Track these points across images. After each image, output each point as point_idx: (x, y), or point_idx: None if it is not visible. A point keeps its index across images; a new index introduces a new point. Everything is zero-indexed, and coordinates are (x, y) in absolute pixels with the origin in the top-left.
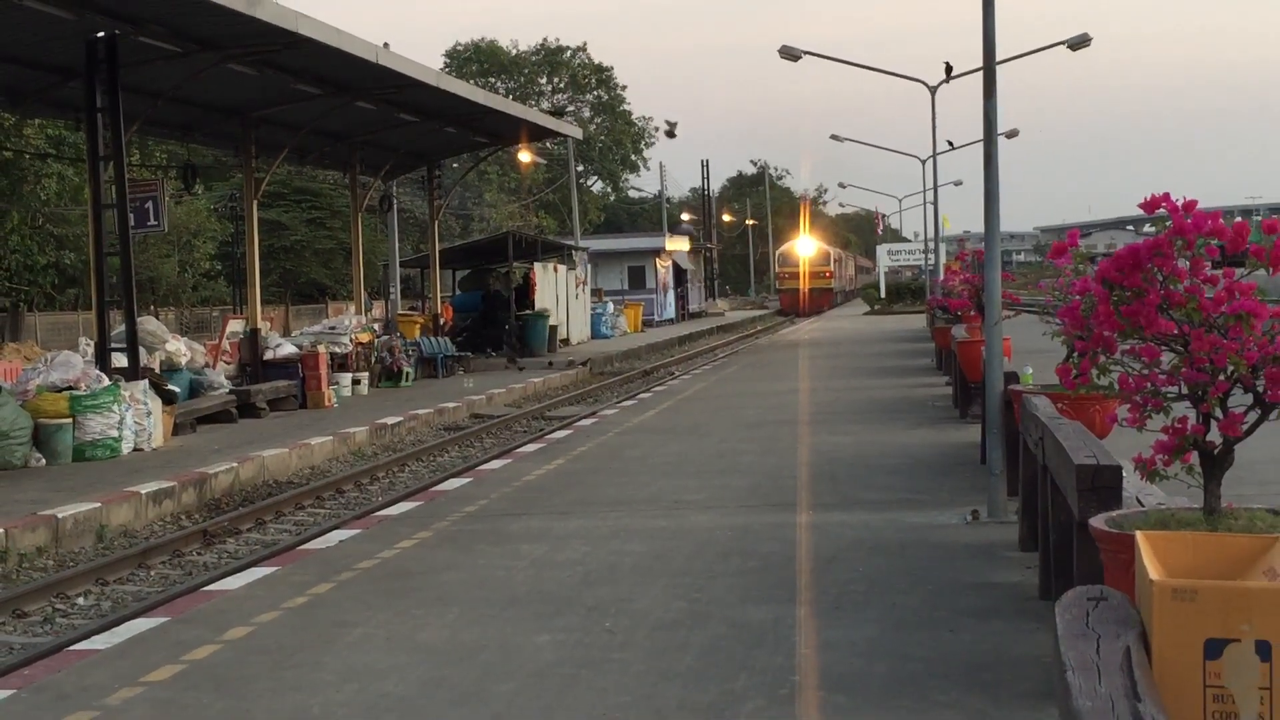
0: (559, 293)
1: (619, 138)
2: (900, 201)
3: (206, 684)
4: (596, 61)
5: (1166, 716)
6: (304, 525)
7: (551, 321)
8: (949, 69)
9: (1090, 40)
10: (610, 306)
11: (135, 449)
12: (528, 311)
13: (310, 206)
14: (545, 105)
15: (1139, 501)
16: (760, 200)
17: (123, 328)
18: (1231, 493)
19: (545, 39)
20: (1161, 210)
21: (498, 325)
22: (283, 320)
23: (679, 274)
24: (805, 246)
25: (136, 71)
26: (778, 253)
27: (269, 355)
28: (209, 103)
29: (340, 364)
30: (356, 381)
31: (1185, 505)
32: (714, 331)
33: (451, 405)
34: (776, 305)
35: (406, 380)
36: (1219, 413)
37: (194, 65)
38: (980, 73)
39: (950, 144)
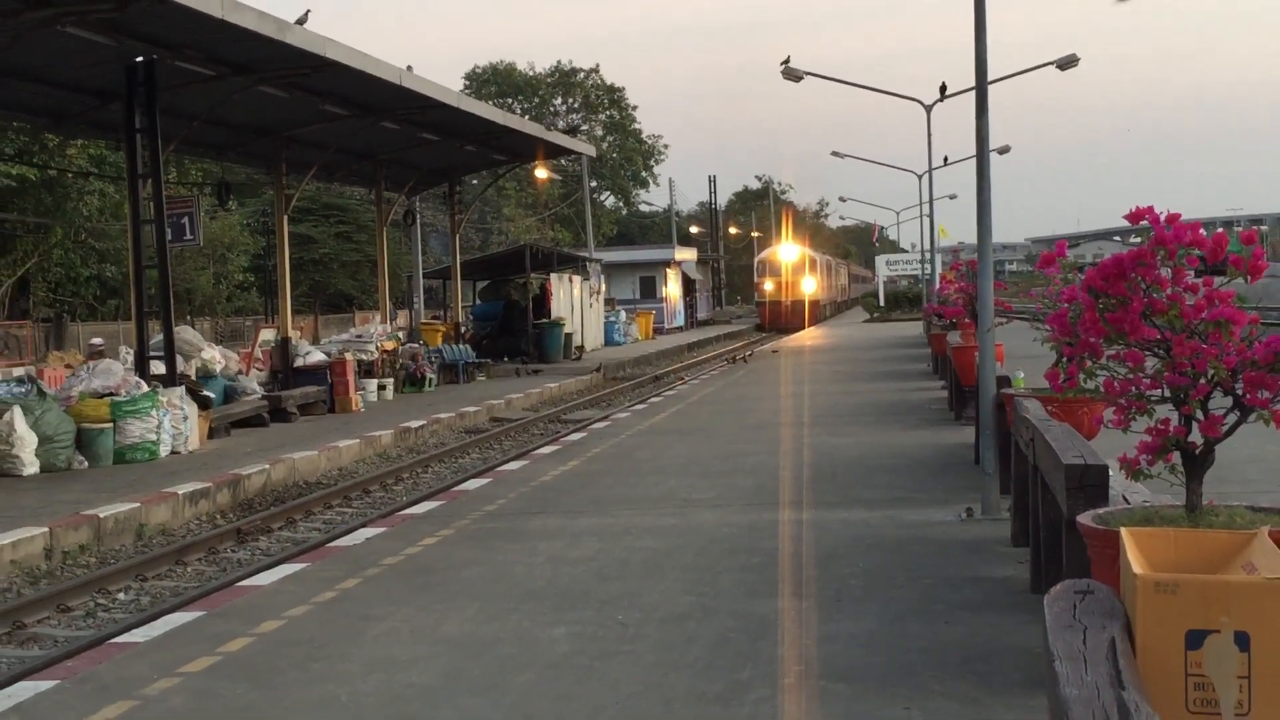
0: (574, 302)
1: (630, 155)
2: (898, 214)
3: (240, 675)
4: (609, 83)
5: (1149, 704)
6: (332, 524)
7: (567, 329)
8: (944, 89)
9: (1078, 61)
10: (623, 315)
11: (173, 452)
12: (544, 320)
13: (338, 221)
14: (560, 124)
15: (1125, 499)
16: (765, 214)
17: (161, 337)
18: (1214, 490)
19: (559, 62)
20: (1145, 221)
21: (516, 333)
22: (312, 329)
23: (688, 284)
24: (788, 252)
25: (173, 94)
26: (757, 260)
27: (299, 362)
28: (242, 123)
29: (367, 370)
30: (382, 387)
31: (1169, 503)
32: (721, 339)
33: (472, 409)
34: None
35: (429, 386)
36: (1200, 415)
37: (228, 88)
38: (973, 92)
39: (945, 160)
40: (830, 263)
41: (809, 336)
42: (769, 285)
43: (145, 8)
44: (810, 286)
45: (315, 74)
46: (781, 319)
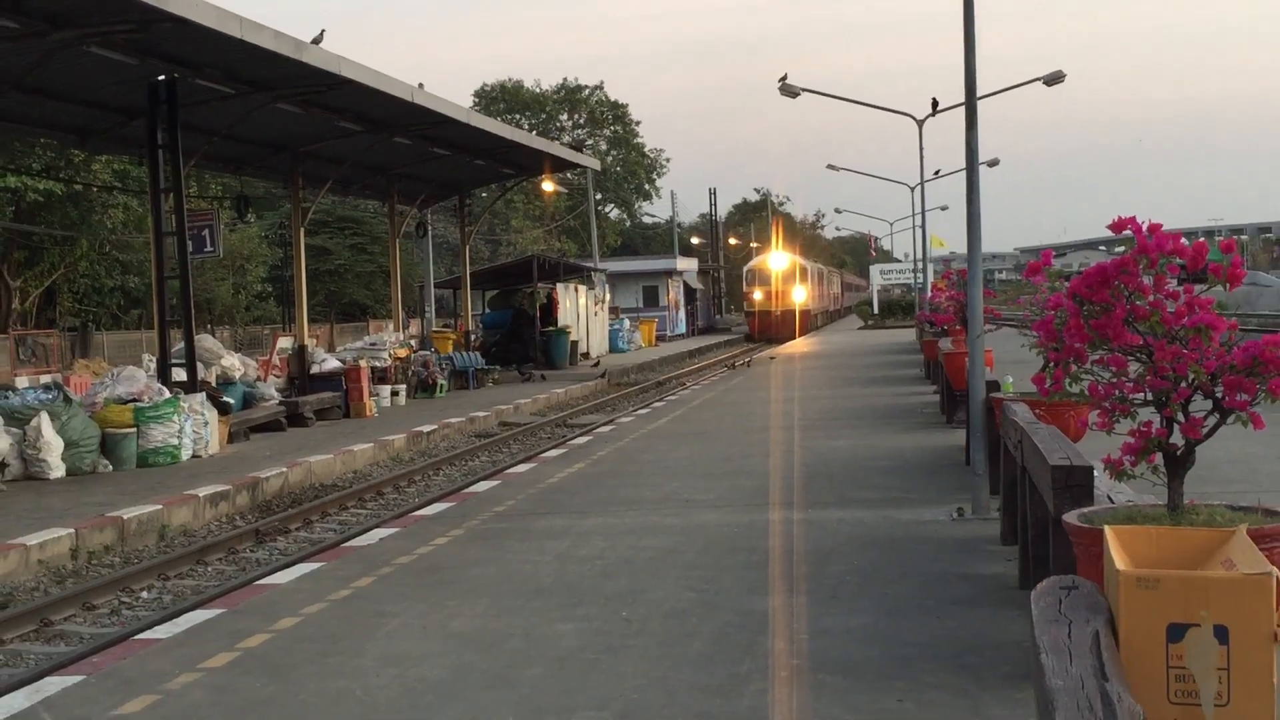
0: (579, 310)
1: (633, 169)
2: (891, 225)
3: (259, 670)
4: (613, 99)
5: (1131, 695)
6: (347, 525)
7: (573, 337)
8: (935, 104)
9: (1064, 77)
10: (626, 323)
11: (194, 456)
12: (551, 328)
13: (352, 233)
14: (566, 139)
15: (1110, 499)
16: (763, 225)
17: (182, 345)
18: (1195, 490)
19: (565, 79)
20: (1128, 231)
21: (524, 341)
22: (328, 337)
23: (689, 293)
24: (778, 261)
25: (194, 111)
26: (745, 269)
27: (315, 369)
28: (260, 139)
29: (380, 377)
30: (395, 393)
31: (1152, 502)
32: (721, 345)
33: (481, 414)
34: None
35: (441, 392)
36: (1181, 417)
37: (246, 105)
38: (963, 107)
39: (937, 173)
40: (822, 271)
41: (804, 344)
42: (758, 294)
43: (167, 29)
44: (801, 296)
45: (330, 91)
46: (771, 329)
